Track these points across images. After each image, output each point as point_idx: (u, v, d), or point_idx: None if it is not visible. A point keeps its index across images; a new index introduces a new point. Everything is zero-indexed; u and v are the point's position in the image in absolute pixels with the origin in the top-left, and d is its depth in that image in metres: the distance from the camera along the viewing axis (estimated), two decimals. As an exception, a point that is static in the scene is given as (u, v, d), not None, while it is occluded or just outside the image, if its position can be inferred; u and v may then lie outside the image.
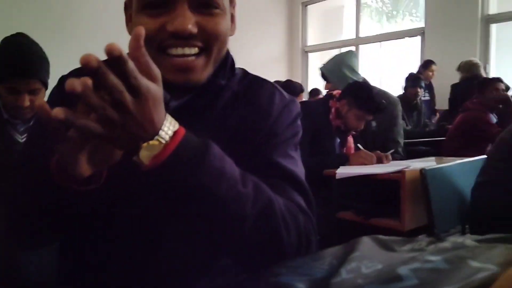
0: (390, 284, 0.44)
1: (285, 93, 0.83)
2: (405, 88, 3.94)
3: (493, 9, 4.82)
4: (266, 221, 0.63)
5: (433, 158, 2.42)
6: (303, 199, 0.73)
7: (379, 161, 2.29)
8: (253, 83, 0.81)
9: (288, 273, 0.56)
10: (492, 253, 0.46)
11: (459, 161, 2.08)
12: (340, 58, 2.89)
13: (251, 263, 0.66)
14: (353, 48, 6.37)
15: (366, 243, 0.62)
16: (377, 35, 6.25)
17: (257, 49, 6.35)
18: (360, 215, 2.06)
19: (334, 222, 2.11)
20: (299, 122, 0.83)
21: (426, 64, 4.55)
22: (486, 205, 1.65)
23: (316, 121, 2.28)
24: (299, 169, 0.79)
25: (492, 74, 4.32)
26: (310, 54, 6.98)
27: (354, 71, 2.80)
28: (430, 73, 4.46)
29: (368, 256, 0.56)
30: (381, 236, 0.66)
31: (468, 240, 0.56)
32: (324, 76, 2.98)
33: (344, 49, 6.76)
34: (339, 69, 2.80)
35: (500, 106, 2.88)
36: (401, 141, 2.74)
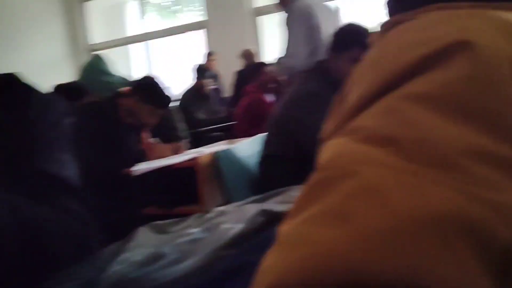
0: (154, 264, 0.45)
1: (43, 93, 0.77)
2: (195, 79, 4.11)
3: (260, 3, 5.39)
4: (30, 238, 0.58)
5: (225, 141, 2.59)
6: (77, 203, 0.70)
7: (176, 151, 2.35)
8: (2, 87, 0.73)
9: (60, 282, 0.53)
10: (241, 214, 0.52)
11: (246, 140, 2.29)
12: (89, 70, 2.75)
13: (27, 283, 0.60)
14: (141, 44, 6.33)
15: (142, 232, 0.63)
16: (163, 29, 6.32)
17: (34, 51, 5.72)
18: (162, 207, 2.08)
19: (140, 219, 2.08)
20: (65, 121, 0.78)
21: (207, 55, 4.85)
22: (270, 175, 1.86)
23: (107, 121, 2.20)
24: (69, 172, 0.74)
25: (267, 59, 4.84)
26: (96, 53, 6.64)
27: (109, 74, 2.73)
28: (212, 63, 4.77)
29: (141, 243, 0.57)
30: (158, 222, 0.68)
31: (230, 206, 0.62)
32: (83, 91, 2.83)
33: (132, 46, 6.66)
34: (94, 79, 2.68)
35: (273, 86, 3.26)
36: (180, 125, 2.85)
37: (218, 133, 3.68)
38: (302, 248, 0.27)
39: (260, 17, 5.38)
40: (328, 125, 0.41)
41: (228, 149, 2.00)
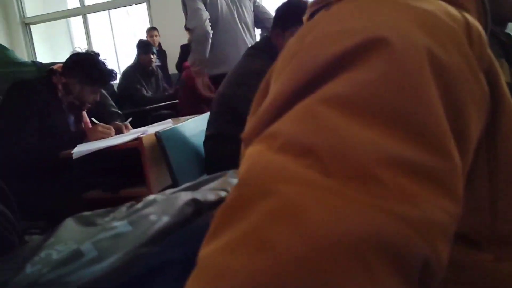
0: (70, 264, 0.42)
1: None
2: (138, 56, 3.95)
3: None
4: None
5: (170, 120, 2.52)
6: None
7: (119, 132, 2.26)
8: None
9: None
10: (170, 204, 0.50)
11: (191, 118, 2.23)
12: None
13: None
14: (79, 18, 6.00)
15: (67, 225, 0.59)
16: (104, 2, 6.01)
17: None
18: (107, 190, 2.00)
19: (82, 204, 2.00)
20: None
21: (149, 31, 4.67)
22: (215, 155, 1.83)
23: (41, 101, 2.07)
24: None
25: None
26: (33, 27, 6.24)
27: (16, 63, 2.54)
28: (154, 39, 4.61)
29: (64, 239, 0.52)
30: (86, 213, 0.63)
31: (162, 194, 0.59)
32: None
33: (72, 19, 6.31)
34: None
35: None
36: (110, 101, 2.79)
37: (166, 111, 3.59)
38: (220, 280, 0.25)
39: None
40: (250, 122, 0.39)
41: (172, 128, 1.93)
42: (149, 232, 0.42)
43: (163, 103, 3.78)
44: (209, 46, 2.46)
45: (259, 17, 2.74)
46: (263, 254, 0.25)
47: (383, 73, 0.32)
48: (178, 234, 0.40)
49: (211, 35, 2.44)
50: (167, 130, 1.88)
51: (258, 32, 2.86)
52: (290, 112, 0.33)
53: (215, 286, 0.25)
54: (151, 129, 2.08)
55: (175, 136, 1.94)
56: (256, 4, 2.74)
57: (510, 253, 0.44)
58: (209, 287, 0.26)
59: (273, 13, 1.86)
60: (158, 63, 4.10)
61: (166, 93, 3.99)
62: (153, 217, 0.46)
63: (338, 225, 0.26)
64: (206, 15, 2.44)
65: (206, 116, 2.24)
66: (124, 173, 2.06)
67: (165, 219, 0.44)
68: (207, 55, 2.48)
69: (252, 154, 0.32)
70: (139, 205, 0.55)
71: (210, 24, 2.44)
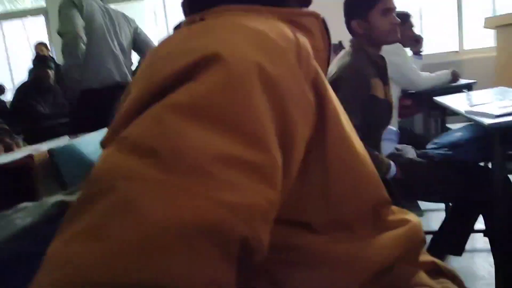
0: None
1: None
2: (34, 71, 3.74)
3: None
4: None
5: (66, 136, 2.42)
6: None
7: (9, 149, 2.13)
8: None
9: None
10: (37, 209, 0.51)
11: (90, 134, 2.17)
12: None
13: None
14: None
15: None
16: (-3, 13, 5.61)
17: None
18: (-7, 211, 1.87)
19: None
20: None
21: (37, 45, 4.41)
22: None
23: None
24: None
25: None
26: None
27: None
28: (43, 53, 4.37)
29: None
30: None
31: (33, 202, 0.59)
32: None
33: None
34: None
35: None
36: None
37: (64, 128, 3.42)
38: (58, 269, 0.28)
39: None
40: (108, 128, 0.43)
41: (66, 145, 1.87)
42: (10, 231, 0.43)
43: (62, 120, 3.60)
44: (81, 52, 2.44)
45: (138, 42, 2.83)
46: (99, 244, 0.28)
47: (216, 82, 0.38)
48: (41, 230, 0.42)
49: (84, 41, 2.44)
50: (61, 146, 1.82)
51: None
52: (140, 117, 0.38)
53: (54, 276, 0.28)
54: (45, 146, 1.99)
55: (70, 153, 1.87)
56: (138, 31, 2.84)
57: (343, 236, 0.52)
58: (50, 275, 0.28)
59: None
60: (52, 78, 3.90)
61: (65, 110, 3.81)
62: (18, 221, 0.48)
63: (169, 214, 0.30)
64: (80, 22, 2.45)
65: (104, 131, 2.18)
66: (9, 193, 1.93)
67: (29, 219, 0.46)
68: (81, 61, 2.46)
69: (103, 155, 0.36)
70: (9, 211, 0.55)
71: (83, 32, 2.44)
